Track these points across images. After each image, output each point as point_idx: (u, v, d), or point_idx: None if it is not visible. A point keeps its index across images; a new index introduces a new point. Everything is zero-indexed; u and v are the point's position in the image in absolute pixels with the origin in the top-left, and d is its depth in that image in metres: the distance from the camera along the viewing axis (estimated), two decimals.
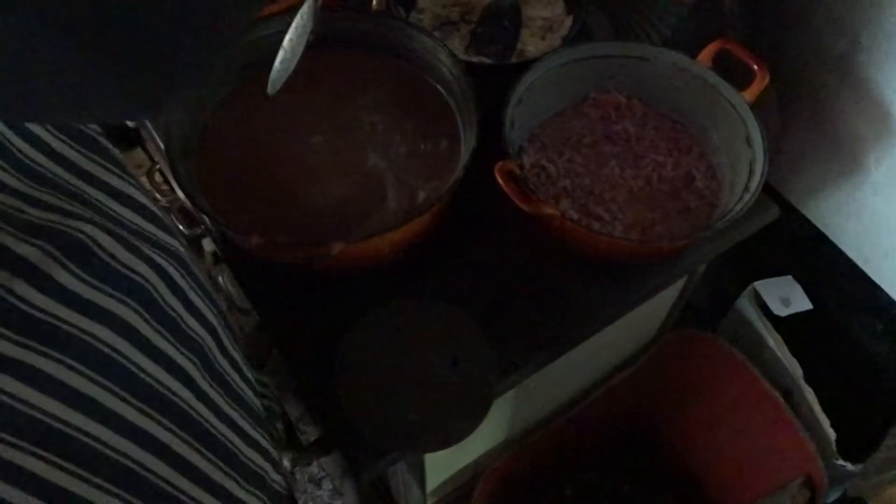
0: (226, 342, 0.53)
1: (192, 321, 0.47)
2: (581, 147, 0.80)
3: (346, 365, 0.68)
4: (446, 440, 0.66)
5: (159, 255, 0.44)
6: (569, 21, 0.89)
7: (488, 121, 0.71)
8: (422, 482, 0.94)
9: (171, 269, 0.45)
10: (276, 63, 0.61)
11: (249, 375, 0.57)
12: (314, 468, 1.33)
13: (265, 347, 1.55)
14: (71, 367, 0.37)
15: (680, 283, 0.95)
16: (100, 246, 0.40)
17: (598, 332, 0.76)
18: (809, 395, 0.99)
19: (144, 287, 0.42)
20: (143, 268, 0.42)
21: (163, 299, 0.44)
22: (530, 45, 0.88)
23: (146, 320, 0.42)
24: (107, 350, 0.39)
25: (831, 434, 0.97)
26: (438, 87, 0.79)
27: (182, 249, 0.48)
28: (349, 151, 0.76)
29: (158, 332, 0.43)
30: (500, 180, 0.67)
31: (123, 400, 0.40)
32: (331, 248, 0.62)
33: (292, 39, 0.60)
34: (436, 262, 0.76)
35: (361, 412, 0.66)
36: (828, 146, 0.94)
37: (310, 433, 0.82)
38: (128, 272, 0.41)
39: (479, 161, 0.69)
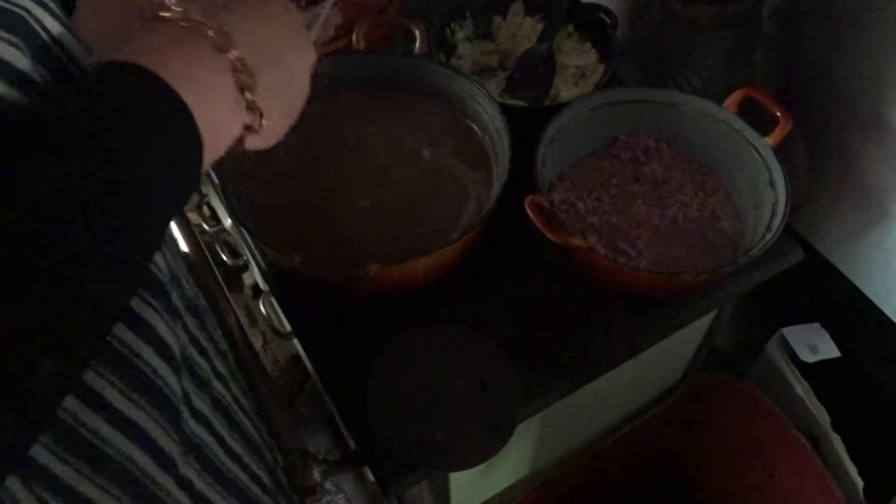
0: None
1: None
2: (609, 186, 0.83)
3: (378, 384, 0.71)
4: (472, 459, 0.68)
5: None
6: (601, 69, 0.93)
7: (521, 159, 0.75)
8: None
9: None
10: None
11: None
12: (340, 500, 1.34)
13: (299, 380, 1.58)
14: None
15: (704, 324, 0.97)
16: None
17: (620, 364, 0.78)
18: (837, 442, 0.99)
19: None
20: None
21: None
22: (563, 90, 0.92)
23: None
24: None
25: (859, 482, 0.97)
26: (474, 126, 0.84)
27: None
28: (388, 182, 0.80)
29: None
30: (529, 212, 0.71)
31: None
32: (368, 268, 0.66)
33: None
34: (466, 290, 0.79)
35: (391, 430, 0.69)
36: (856, 198, 0.96)
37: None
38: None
39: (511, 196, 0.72)
